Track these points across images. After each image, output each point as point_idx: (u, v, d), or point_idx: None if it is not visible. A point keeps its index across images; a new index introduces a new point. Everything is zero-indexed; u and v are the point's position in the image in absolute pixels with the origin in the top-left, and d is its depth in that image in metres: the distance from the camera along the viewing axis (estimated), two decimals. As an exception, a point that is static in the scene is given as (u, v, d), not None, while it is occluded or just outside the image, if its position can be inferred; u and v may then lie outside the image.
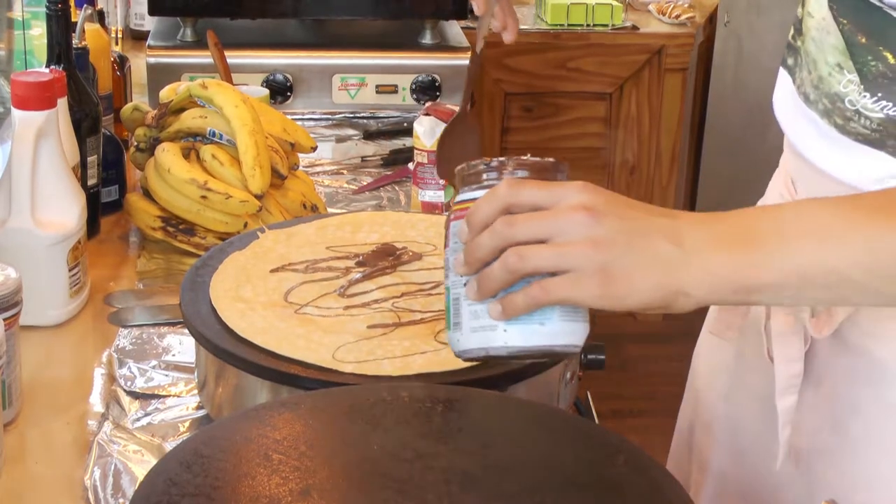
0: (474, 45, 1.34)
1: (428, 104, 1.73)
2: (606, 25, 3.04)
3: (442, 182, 1.64)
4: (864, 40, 0.96)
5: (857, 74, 0.96)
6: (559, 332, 0.87)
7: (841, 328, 1.02)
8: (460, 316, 0.89)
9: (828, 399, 1.04)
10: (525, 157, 0.90)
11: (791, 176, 1.08)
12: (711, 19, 3.34)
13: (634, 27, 3.11)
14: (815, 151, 1.02)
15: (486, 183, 0.89)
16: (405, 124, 2.11)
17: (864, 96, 0.96)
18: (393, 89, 2.19)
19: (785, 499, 1.10)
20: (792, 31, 1.07)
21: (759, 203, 1.16)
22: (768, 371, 1.08)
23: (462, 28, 2.46)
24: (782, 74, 1.08)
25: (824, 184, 1.00)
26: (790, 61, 1.07)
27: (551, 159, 0.90)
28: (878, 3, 0.94)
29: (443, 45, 2.31)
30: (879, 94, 0.95)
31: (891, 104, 0.94)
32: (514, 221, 0.85)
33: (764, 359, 1.09)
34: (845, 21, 0.97)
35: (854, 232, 0.82)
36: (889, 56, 0.94)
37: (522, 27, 2.94)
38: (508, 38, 1.38)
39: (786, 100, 1.07)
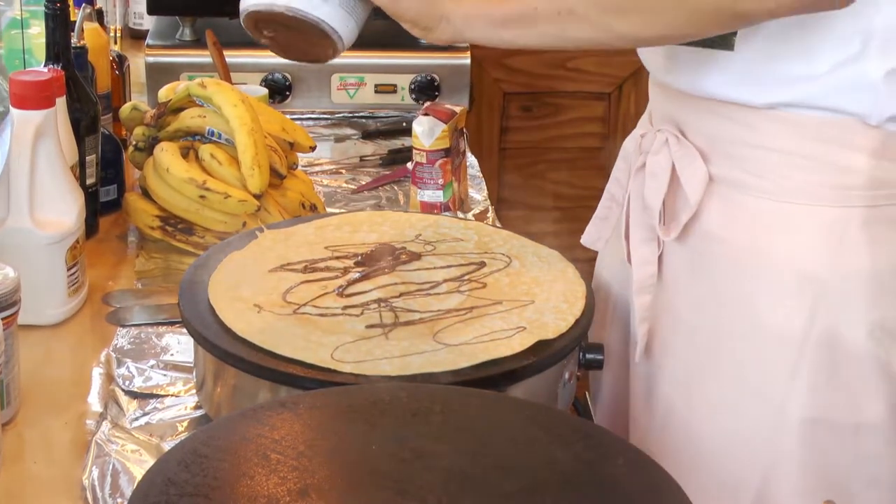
0: None
1: (427, 104, 1.73)
2: (605, 25, 3.04)
3: (441, 182, 1.64)
4: None
5: None
6: (332, 14, 1.03)
7: (685, 232, 1.16)
8: None
9: (673, 296, 1.18)
10: None
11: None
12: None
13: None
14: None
15: None
16: (404, 124, 2.11)
17: None
18: (392, 89, 2.18)
19: (636, 388, 1.24)
20: None
21: None
22: (623, 272, 1.23)
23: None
24: None
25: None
26: None
27: None
28: None
29: (442, 45, 2.30)
30: None
31: None
32: None
33: (621, 262, 1.24)
34: None
35: None
36: None
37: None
38: None
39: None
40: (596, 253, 1.36)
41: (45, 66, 1.48)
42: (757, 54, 1.08)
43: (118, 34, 2.36)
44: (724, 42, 1.08)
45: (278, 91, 2.16)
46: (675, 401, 1.18)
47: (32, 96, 1.30)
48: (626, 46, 1.07)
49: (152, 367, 1.24)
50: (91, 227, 1.50)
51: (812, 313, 1.10)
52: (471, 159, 1.90)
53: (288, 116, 1.70)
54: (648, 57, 1.21)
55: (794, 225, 1.10)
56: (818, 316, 1.10)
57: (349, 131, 2.11)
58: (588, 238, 1.31)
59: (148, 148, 1.59)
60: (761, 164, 1.10)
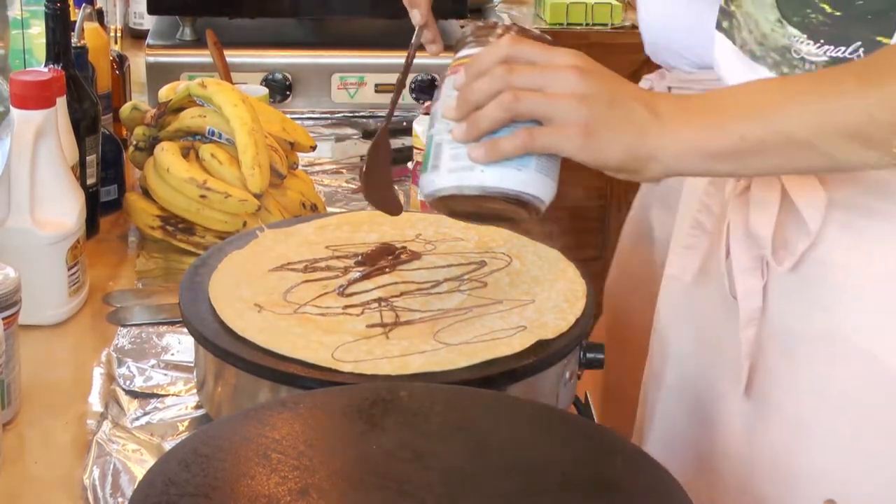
0: (409, 63, 1.29)
1: (427, 103, 1.73)
2: (606, 25, 3.04)
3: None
4: None
5: (799, 27, 1.02)
6: (532, 181, 0.94)
7: (799, 261, 1.07)
8: (440, 159, 0.96)
9: (782, 328, 1.09)
10: (521, 25, 1.00)
11: None
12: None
13: (634, 26, 3.10)
14: None
15: (486, 42, 0.99)
16: (404, 123, 2.10)
17: (808, 44, 1.01)
18: (392, 88, 2.18)
19: (736, 423, 1.14)
20: None
21: None
22: (725, 308, 1.13)
23: (462, 27, 2.46)
24: (719, 38, 1.13)
25: None
26: (725, 24, 1.12)
27: (546, 36, 1.00)
28: None
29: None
30: (822, 41, 1.00)
31: (832, 47, 1.00)
32: (513, 69, 0.94)
33: (720, 297, 1.13)
34: None
35: (805, 97, 0.92)
36: (826, 6, 1.00)
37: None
38: (436, 49, 1.39)
39: (729, 60, 1.12)
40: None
41: (45, 66, 1.48)
42: None
43: (118, 34, 2.36)
44: None
45: (279, 91, 2.16)
46: (789, 441, 1.09)
47: (33, 96, 1.30)
48: (872, 169, 0.95)
49: (153, 366, 1.24)
50: (91, 227, 1.50)
51: None
52: (471, 159, 1.90)
53: (288, 116, 1.70)
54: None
55: None
56: None
57: (349, 131, 2.11)
58: (674, 270, 1.21)
59: (148, 148, 1.59)
60: (886, 186, 1.01)
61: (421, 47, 1.34)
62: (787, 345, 1.09)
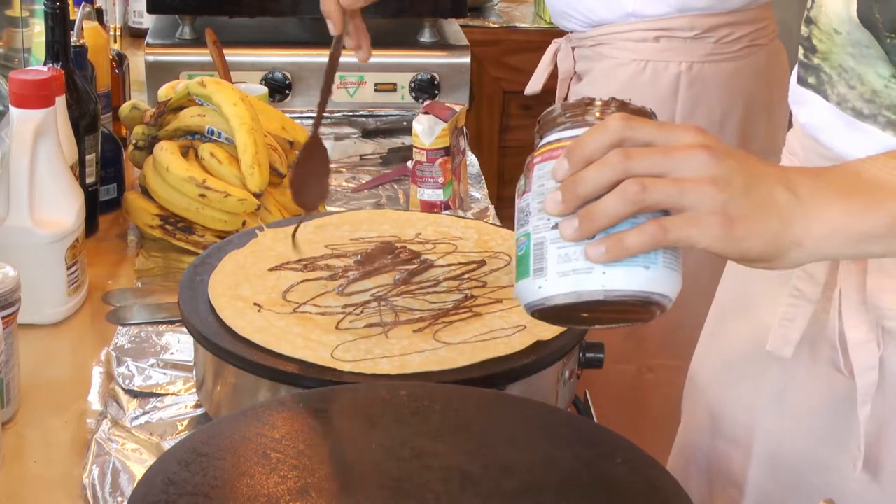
0: (330, 71, 1.28)
1: (427, 102, 1.73)
2: (605, 24, 3.04)
3: (441, 180, 1.64)
4: None
5: None
6: (661, 279, 0.81)
7: None
8: (544, 261, 0.81)
9: None
10: (619, 99, 0.86)
11: None
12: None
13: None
14: None
15: (584, 122, 0.84)
16: (404, 122, 2.11)
17: None
18: (392, 87, 2.18)
19: (853, 499, 1.07)
20: (802, 51, 1.05)
21: None
22: (826, 383, 1.06)
23: (461, 26, 2.46)
24: (808, 94, 1.06)
25: None
26: (812, 80, 1.05)
27: (647, 108, 0.87)
28: None
29: (442, 44, 2.30)
30: None
31: None
32: (631, 154, 0.80)
33: (822, 370, 1.07)
34: (889, 33, 0.95)
35: None
36: None
37: (522, 25, 2.94)
38: (363, 56, 1.39)
39: (823, 118, 1.05)
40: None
41: (44, 64, 1.48)
42: None
43: (118, 33, 2.36)
44: None
45: (278, 90, 2.16)
46: None
47: (32, 95, 1.30)
48: None
49: (152, 365, 1.24)
50: (91, 225, 1.50)
51: None
52: (471, 158, 1.90)
53: (288, 115, 1.70)
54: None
55: None
56: None
57: (349, 130, 2.11)
58: (775, 345, 1.10)
59: (148, 147, 1.59)
60: None
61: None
62: None
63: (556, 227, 0.81)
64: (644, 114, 0.85)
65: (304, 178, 1.24)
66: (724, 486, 1.21)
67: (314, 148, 1.26)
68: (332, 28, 1.33)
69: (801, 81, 1.06)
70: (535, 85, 1.95)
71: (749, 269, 0.86)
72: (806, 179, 0.84)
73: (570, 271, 0.80)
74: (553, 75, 1.95)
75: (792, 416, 1.12)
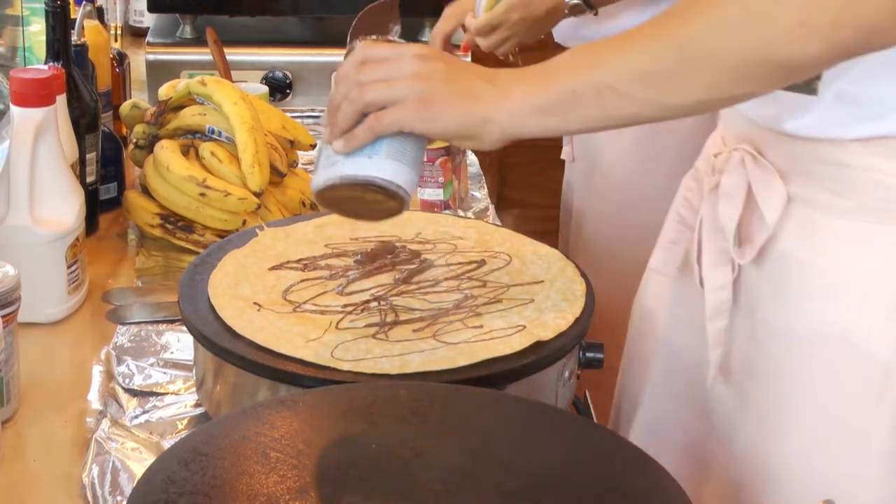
0: None
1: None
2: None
3: (441, 180, 1.64)
4: None
5: None
6: (382, 166, 1.00)
7: (762, 255, 1.10)
8: (318, 162, 1.04)
9: (753, 320, 1.12)
10: (386, 37, 1.09)
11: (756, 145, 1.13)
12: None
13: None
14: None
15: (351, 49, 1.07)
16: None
17: None
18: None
19: (717, 415, 1.18)
20: None
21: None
22: (700, 298, 1.15)
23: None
24: None
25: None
26: None
27: (402, 40, 1.09)
28: None
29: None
30: None
31: None
32: (362, 69, 1.02)
33: (698, 289, 1.16)
34: None
35: (612, 47, 0.98)
36: None
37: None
38: None
39: None
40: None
41: (45, 63, 1.48)
42: (844, 95, 1.00)
43: (118, 32, 2.36)
44: (806, 87, 1.01)
45: (279, 89, 2.16)
46: (758, 428, 1.13)
47: (33, 94, 1.30)
48: (676, 117, 1.01)
49: (152, 364, 1.24)
50: (91, 224, 1.50)
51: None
52: (471, 157, 1.90)
53: (288, 114, 1.70)
54: None
55: (880, 245, 1.03)
56: None
57: (349, 129, 2.11)
58: (658, 263, 1.24)
59: (148, 146, 1.59)
60: (843, 184, 1.03)
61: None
62: (757, 335, 1.12)
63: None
64: (397, 43, 1.07)
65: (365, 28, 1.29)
66: (628, 411, 1.32)
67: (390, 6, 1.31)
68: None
69: None
70: None
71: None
72: (506, 73, 1.01)
73: (328, 165, 1.03)
74: None
75: (684, 329, 1.23)
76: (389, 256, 1.24)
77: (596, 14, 1.69)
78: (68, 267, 1.33)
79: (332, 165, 1.02)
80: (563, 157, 1.93)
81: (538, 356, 1.08)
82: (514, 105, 0.99)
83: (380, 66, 1.01)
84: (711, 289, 1.13)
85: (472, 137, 1.01)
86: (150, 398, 1.19)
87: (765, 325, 1.11)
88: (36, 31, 1.84)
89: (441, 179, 1.64)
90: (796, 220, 1.07)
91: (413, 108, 0.99)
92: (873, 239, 1.03)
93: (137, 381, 1.21)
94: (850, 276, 1.04)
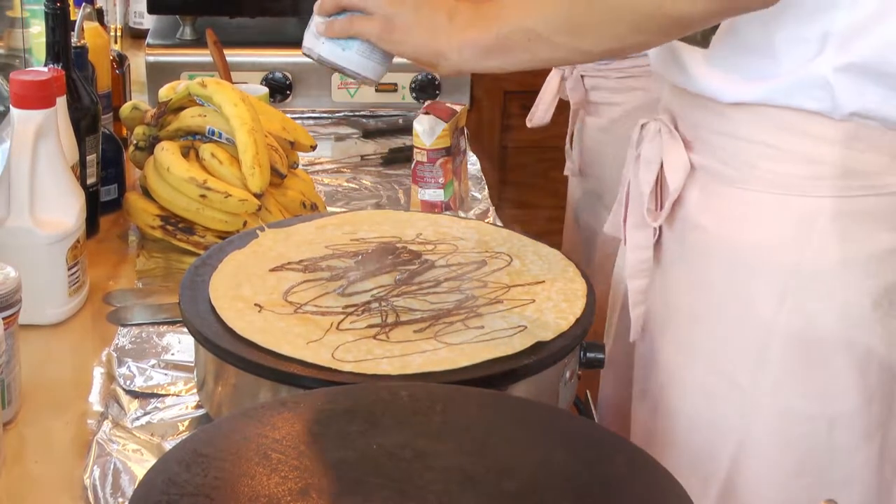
0: None
1: (427, 103, 1.73)
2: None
3: (442, 181, 1.64)
4: None
5: None
6: (351, 60, 1.18)
7: (673, 219, 1.20)
8: (312, 21, 1.20)
9: (667, 280, 1.23)
10: None
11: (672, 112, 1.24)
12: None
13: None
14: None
15: None
16: (400, 121, 2.11)
17: None
18: (392, 88, 2.18)
19: (638, 366, 1.29)
20: None
21: None
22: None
23: None
24: None
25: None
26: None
27: None
28: None
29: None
30: None
31: None
32: None
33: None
34: None
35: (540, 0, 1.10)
36: None
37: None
38: None
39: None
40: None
41: (45, 65, 1.48)
42: (728, 52, 1.11)
43: (118, 33, 2.36)
44: (702, 40, 1.13)
45: (279, 90, 2.16)
46: (666, 384, 1.21)
47: (33, 96, 1.30)
48: (591, 61, 1.16)
49: (153, 366, 1.24)
50: (92, 226, 1.50)
51: (781, 301, 1.11)
52: (471, 158, 1.90)
53: (288, 115, 1.70)
54: (651, 52, 1.23)
55: (766, 214, 1.12)
56: (787, 304, 1.11)
57: (350, 130, 2.11)
58: (609, 227, 1.34)
59: (148, 147, 1.59)
60: (733, 153, 1.13)
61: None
62: (668, 296, 1.22)
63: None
64: None
65: None
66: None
67: None
68: None
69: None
70: (542, 118, 1.88)
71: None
72: (467, 12, 1.13)
73: (311, 36, 1.20)
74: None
75: (618, 296, 1.35)
76: (390, 257, 1.24)
77: None
78: (69, 269, 1.33)
79: (315, 37, 1.19)
80: (566, 172, 1.90)
81: (539, 357, 1.08)
82: (464, 45, 1.12)
83: None
84: (632, 248, 1.25)
85: (430, 65, 1.16)
86: (152, 400, 1.19)
87: (676, 284, 1.21)
88: (36, 33, 1.84)
89: (442, 180, 1.64)
90: (700, 188, 1.17)
91: (379, 28, 1.15)
92: (761, 208, 1.12)
93: (138, 383, 1.21)
94: (738, 241, 1.14)
